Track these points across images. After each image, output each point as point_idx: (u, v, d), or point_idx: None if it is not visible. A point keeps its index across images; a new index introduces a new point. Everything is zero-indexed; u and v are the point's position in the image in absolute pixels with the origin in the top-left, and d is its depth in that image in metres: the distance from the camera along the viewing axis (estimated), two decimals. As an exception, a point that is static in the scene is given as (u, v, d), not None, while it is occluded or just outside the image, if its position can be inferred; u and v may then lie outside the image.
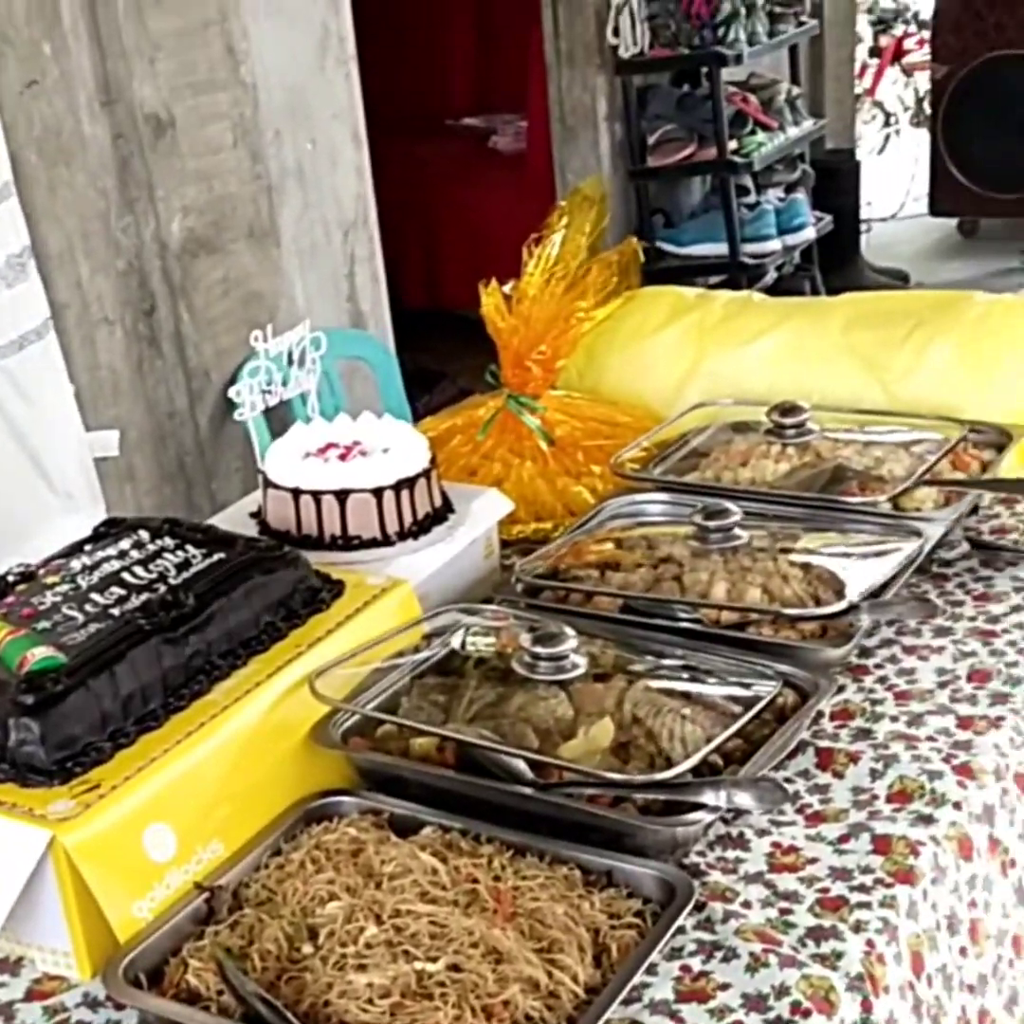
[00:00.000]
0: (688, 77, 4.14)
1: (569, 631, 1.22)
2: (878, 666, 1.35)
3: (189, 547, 1.26)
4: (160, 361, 2.49)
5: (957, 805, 1.16)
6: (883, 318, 1.74)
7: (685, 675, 1.25)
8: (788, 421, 1.61)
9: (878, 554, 1.42)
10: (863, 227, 5.12)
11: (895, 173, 5.89)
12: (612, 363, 1.84)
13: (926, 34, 5.83)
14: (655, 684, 1.21)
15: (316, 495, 1.39)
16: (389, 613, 1.27)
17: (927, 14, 5.55)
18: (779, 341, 1.77)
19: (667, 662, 1.26)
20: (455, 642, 1.29)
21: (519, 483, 1.66)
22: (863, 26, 6.81)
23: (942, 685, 1.31)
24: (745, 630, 1.32)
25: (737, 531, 1.42)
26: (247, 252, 2.64)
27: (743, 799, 1.08)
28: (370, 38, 3.11)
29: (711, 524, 1.42)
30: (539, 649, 1.21)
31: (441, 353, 4.00)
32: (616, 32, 3.89)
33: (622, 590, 1.39)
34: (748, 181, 4.13)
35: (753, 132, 4.03)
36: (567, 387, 1.82)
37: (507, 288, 1.68)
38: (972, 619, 1.42)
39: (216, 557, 1.24)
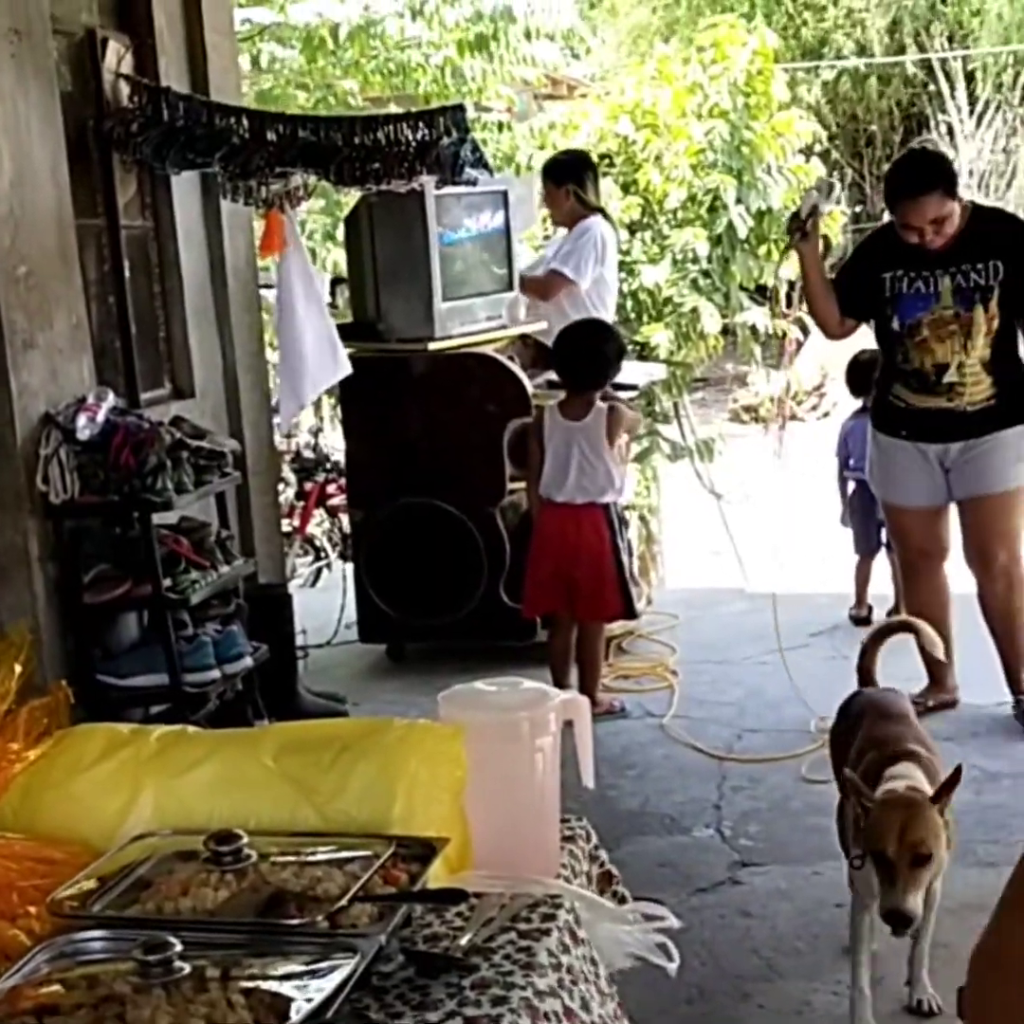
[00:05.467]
0: (121, 520, 4.25)
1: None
2: (323, 1087, 1.37)
3: None
4: None
5: None
6: (312, 744, 1.84)
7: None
8: (225, 849, 1.64)
9: (320, 973, 1.45)
10: (300, 654, 5.31)
11: (328, 603, 6.19)
12: (48, 801, 1.82)
13: (344, 481, 6.34)
14: None
15: None
16: None
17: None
18: (214, 770, 1.82)
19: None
20: None
21: (-51, 933, 1.58)
22: (290, 472, 7.32)
23: (385, 1098, 1.35)
24: (190, 1065, 1.32)
25: (179, 963, 1.42)
26: None
27: None
28: None
29: (152, 958, 1.41)
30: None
31: None
32: (45, 480, 3.98)
33: (60, 1037, 1.34)
34: (185, 616, 4.24)
35: (187, 570, 4.17)
36: (1, 827, 1.77)
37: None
38: (411, 1029, 1.46)
39: None
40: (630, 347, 6.53)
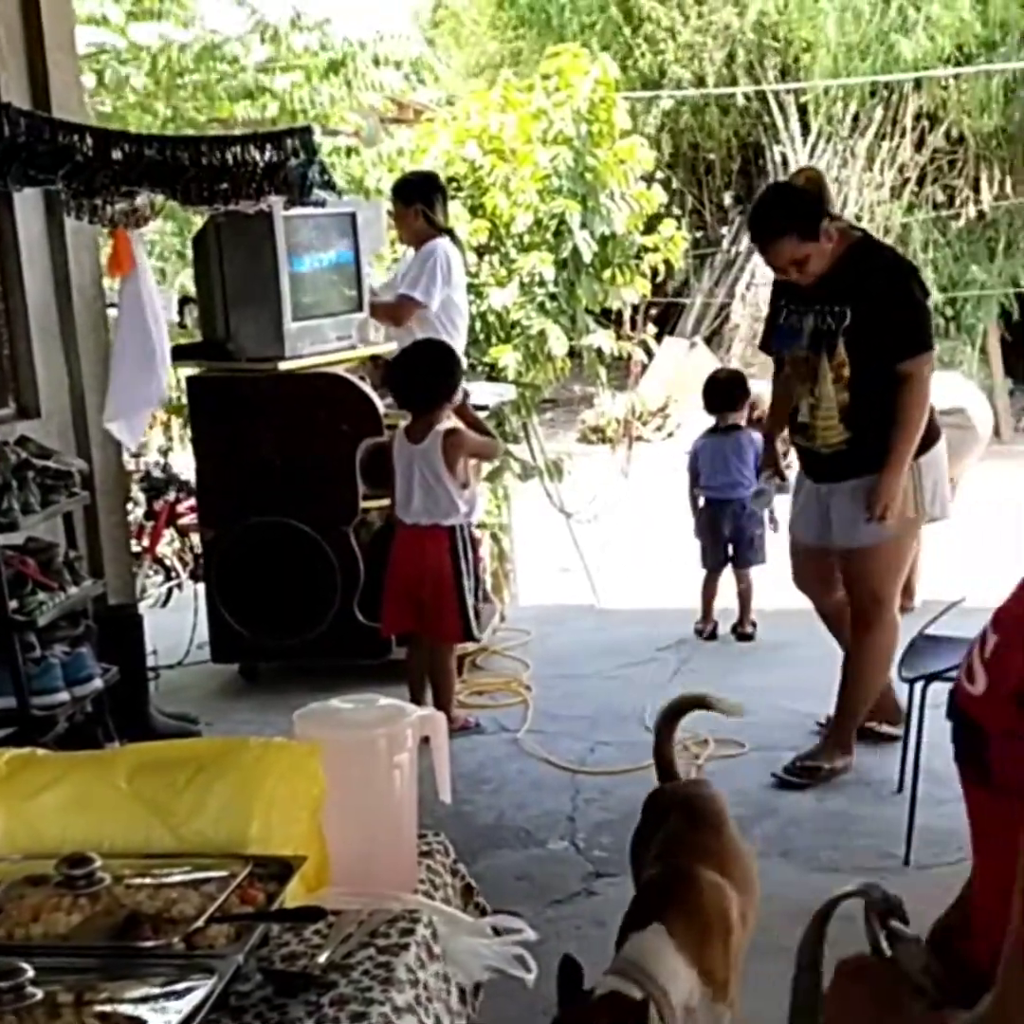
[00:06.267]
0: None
1: None
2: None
3: None
4: None
5: None
6: (167, 765, 1.83)
7: None
8: (77, 872, 1.63)
9: (177, 995, 1.45)
10: (151, 675, 5.23)
11: (180, 623, 6.10)
12: None
13: (195, 500, 6.27)
14: None
15: None
16: None
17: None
18: (65, 793, 1.80)
19: None
20: None
21: None
22: (139, 492, 7.23)
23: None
24: (45, 1092, 1.30)
25: (31, 989, 1.40)
26: None
27: None
28: None
29: (2, 984, 1.40)
30: None
31: None
32: None
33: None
34: (32, 637, 4.16)
35: (33, 592, 4.10)
36: None
37: None
38: (270, 1048, 1.48)
39: None
40: (479, 369, 6.60)
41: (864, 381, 4.17)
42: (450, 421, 4.85)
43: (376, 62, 8.45)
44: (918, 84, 13.57)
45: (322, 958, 1.65)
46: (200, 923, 1.55)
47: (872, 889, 1.13)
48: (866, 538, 4.27)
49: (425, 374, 4.80)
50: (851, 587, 4.43)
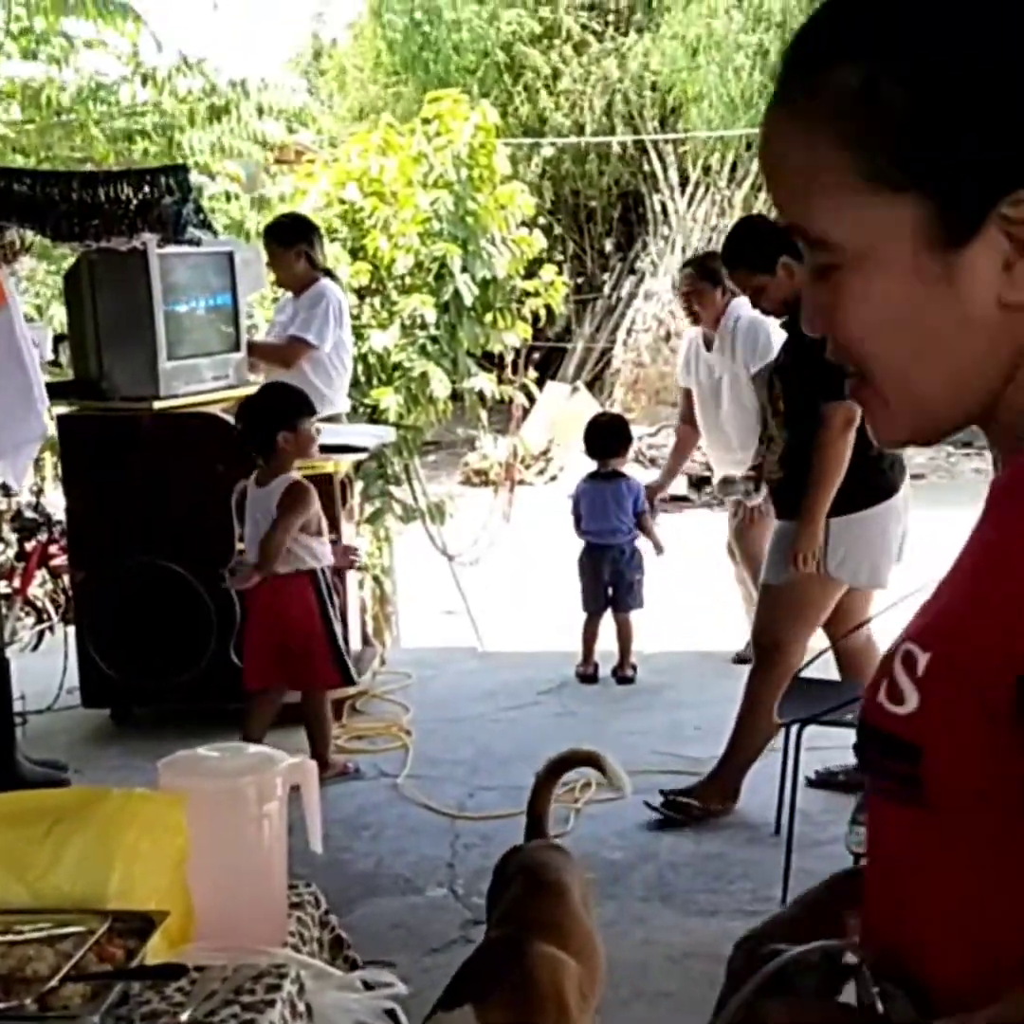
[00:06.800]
0: None
1: None
2: None
3: None
4: None
5: None
6: (23, 817, 1.77)
7: None
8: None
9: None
10: (18, 720, 5.08)
11: (50, 667, 5.94)
12: None
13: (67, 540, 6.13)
14: None
15: None
16: None
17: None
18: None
19: None
20: None
21: None
22: (10, 532, 7.04)
23: None
24: None
25: None
26: None
27: None
28: None
29: None
30: None
31: None
32: None
33: None
34: None
35: None
36: None
37: None
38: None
39: None
40: (360, 410, 6.57)
41: (796, 422, 4.19)
42: (299, 474, 4.76)
43: (260, 112, 8.39)
44: (793, 137, 13.91)
45: (184, 1016, 1.60)
46: (54, 982, 1.50)
47: (862, 948, 1.10)
48: (769, 575, 4.37)
49: (258, 415, 4.74)
50: (754, 626, 4.54)
